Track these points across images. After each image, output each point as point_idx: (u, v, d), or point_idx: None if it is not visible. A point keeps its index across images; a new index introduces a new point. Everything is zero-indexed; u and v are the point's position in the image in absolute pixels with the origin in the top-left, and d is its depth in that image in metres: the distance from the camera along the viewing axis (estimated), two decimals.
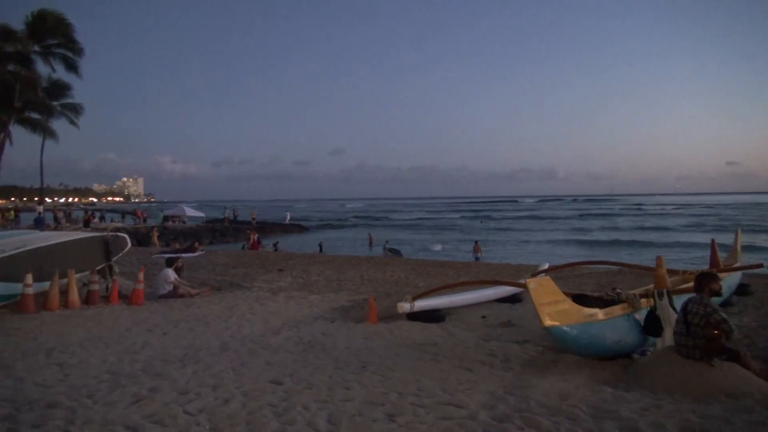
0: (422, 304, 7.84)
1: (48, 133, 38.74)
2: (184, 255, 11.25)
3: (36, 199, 69.87)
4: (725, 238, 18.17)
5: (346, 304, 9.24)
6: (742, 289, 9.08)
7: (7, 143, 36.55)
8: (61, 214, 40.26)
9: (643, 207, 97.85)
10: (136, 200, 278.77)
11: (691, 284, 5.55)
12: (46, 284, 8.71)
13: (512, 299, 9.17)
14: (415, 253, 30.66)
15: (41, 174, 39.76)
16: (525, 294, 7.41)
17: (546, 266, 10.87)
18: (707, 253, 9.63)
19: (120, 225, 36.67)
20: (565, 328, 5.10)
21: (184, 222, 43.24)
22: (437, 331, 7.04)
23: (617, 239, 39.00)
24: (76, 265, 9.28)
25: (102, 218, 47.63)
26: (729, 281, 8.12)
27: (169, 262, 10.34)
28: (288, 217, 55.61)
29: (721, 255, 9.23)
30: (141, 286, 9.45)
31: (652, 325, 5.43)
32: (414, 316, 7.72)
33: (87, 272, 9.62)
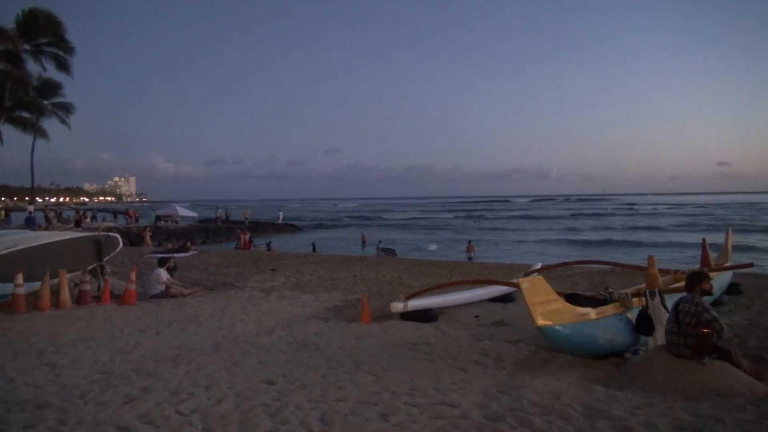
0: (415, 303, 7.84)
1: (39, 132, 38.36)
2: (176, 255, 11.17)
3: (27, 198, 69.33)
4: (717, 238, 18.30)
5: (340, 304, 9.23)
6: (733, 289, 9.17)
7: None
8: (52, 214, 39.96)
9: (635, 207, 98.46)
10: (128, 200, 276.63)
11: (682, 284, 5.60)
12: (37, 284, 8.64)
13: (505, 299, 9.19)
14: (408, 252, 30.69)
15: (32, 173, 39.33)
16: (518, 293, 7.43)
17: (539, 266, 10.90)
18: (698, 252, 9.69)
19: (112, 225, 36.43)
20: (557, 327, 5.13)
21: (176, 222, 43.03)
22: (430, 331, 7.04)
23: (609, 239, 39.21)
24: (67, 264, 9.21)
25: (94, 218, 47.37)
26: (720, 281, 8.19)
27: (162, 262, 10.27)
28: (281, 217, 55.46)
29: (713, 254, 9.30)
30: (133, 286, 9.39)
31: (643, 325, 5.46)
32: (407, 316, 7.72)
33: (78, 272, 9.55)
